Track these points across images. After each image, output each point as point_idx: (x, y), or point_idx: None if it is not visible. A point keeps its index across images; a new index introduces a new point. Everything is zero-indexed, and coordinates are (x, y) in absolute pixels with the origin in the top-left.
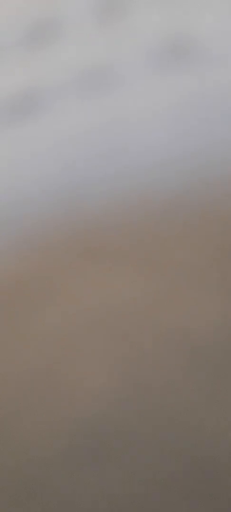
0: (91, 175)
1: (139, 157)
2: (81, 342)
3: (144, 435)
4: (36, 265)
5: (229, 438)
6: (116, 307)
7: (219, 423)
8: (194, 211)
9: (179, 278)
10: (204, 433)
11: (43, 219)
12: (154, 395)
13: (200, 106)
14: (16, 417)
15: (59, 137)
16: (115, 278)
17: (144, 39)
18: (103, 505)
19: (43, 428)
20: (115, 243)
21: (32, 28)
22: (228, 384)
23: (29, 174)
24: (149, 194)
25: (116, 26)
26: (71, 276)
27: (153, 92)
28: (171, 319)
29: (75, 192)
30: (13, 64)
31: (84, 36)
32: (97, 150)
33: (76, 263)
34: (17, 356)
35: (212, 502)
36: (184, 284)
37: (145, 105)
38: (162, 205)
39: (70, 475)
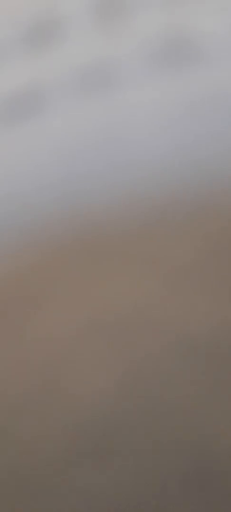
0: (91, 175)
1: (138, 156)
2: (81, 341)
3: (144, 435)
4: (35, 264)
5: (229, 435)
6: (115, 306)
7: (219, 421)
8: (194, 210)
9: (179, 277)
10: (204, 432)
11: (43, 218)
12: (154, 396)
13: (199, 106)
14: (16, 417)
15: (59, 137)
16: (115, 277)
17: (144, 39)
18: (103, 505)
19: (43, 428)
20: (115, 242)
21: (32, 28)
22: (228, 383)
23: (29, 173)
24: (148, 194)
25: (116, 26)
26: (70, 276)
27: (153, 91)
28: (171, 319)
29: (75, 192)
30: (12, 64)
31: (84, 36)
32: (97, 150)
33: (75, 263)
34: (16, 355)
35: (212, 501)
36: (183, 283)
37: (145, 105)
38: (162, 204)
39: (70, 475)
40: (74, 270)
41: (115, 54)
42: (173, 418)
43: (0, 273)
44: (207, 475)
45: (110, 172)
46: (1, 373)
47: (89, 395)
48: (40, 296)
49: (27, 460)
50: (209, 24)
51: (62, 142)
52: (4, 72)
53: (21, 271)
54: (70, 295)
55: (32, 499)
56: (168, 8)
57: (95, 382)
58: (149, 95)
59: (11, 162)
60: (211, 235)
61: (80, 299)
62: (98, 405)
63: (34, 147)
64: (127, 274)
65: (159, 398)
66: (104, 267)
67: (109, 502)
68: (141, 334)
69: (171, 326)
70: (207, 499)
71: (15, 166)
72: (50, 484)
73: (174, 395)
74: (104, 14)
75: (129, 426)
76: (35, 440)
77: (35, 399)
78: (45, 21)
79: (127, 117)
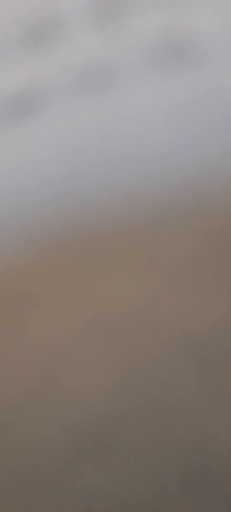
0: (91, 173)
1: (138, 155)
2: (81, 340)
3: (144, 434)
4: (35, 262)
5: (229, 435)
6: (115, 305)
7: (218, 420)
8: (193, 208)
9: (178, 276)
10: (203, 431)
11: (43, 218)
12: (153, 394)
13: (199, 105)
14: (16, 416)
15: (58, 136)
16: (115, 276)
17: (144, 39)
18: (103, 504)
19: (43, 427)
20: (115, 241)
21: (32, 28)
22: (228, 382)
23: (29, 173)
24: (148, 192)
25: (116, 26)
26: (70, 274)
27: (153, 91)
28: (171, 317)
29: (75, 190)
30: (12, 64)
31: (84, 36)
32: (97, 148)
33: (75, 261)
34: (16, 354)
35: (212, 501)
36: (183, 282)
37: (145, 104)
38: (162, 202)
39: (70, 474)
40: (74, 268)
41: (115, 54)
42: (173, 418)
43: (0, 273)
44: (207, 475)
45: (110, 170)
46: (1, 372)
47: (90, 394)
48: (40, 294)
49: (27, 459)
50: (207, 24)
51: (62, 140)
52: (5, 71)
53: (21, 268)
54: (70, 294)
55: (32, 498)
56: (167, 8)
57: (95, 381)
58: (149, 94)
59: (12, 160)
60: (210, 233)
61: (80, 298)
62: (98, 404)
63: (34, 145)
64: (127, 272)
65: (159, 397)
66: (104, 265)
67: (109, 501)
68: (140, 333)
69: (170, 325)
70: (207, 499)
71: (15, 164)
72: (50, 483)
73: (174, 394)
74: (104, 13)
75: (129, 425)
76: (35, 440)
77: (35, 399)
78: (45, 21)
79: (126, 116)
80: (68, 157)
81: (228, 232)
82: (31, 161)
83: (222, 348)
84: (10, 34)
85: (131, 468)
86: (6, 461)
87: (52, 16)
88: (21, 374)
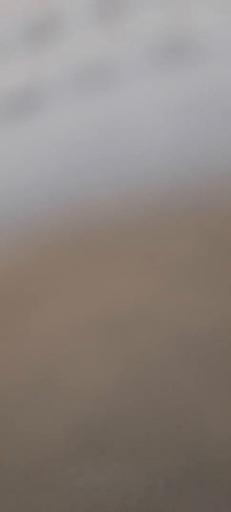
0: (90, 170)
1: (138, 152)
2: (81, 338)
3: (144, 433)
4: (34, 260)
5: (229, 434)
6: (115, 303)
7: (219, 420)
8: (193, 206)
9: (178, 274)
10: (203, 430)
11: (43, 215)
12: (153, 393)
13: (200, 105)
14: (15, 415)
15: (58, 135)
16: (114, 273)
17: (144, 37)
18: (103, 503)
19: (42, 426)
20: (114, 238)
21: (32, 26)
22: (228, 381)
23: (29, 169)
24: (148, 189)
25: (116, 24)
26: (70, 272)
27: (153, 90)
28: (171, 315)
29: (75, 190)
30: (12, 63)
31: (84, 33)
32: (97, 149)
33: (75, 259)
34: (16, 353)
35: (213, 499)
36: (183, 280)
37: (145, 103)
38: (161, 200)
39: (70, 472)
40: (74, 266)
41: (115, 51)
42: (173, 416)
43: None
44: (208, 474)
45: (110, 168)
46: (0, 370)
47: (90, 392)
48: (40, 291)
49: (27, 458)
50: (208, 23)
51: (62, 138)
52: (5, 69)
53: (21, 265)
54: (70, 292)
55: (31, 497)
56: (168, 7)
57: (95, 379)
58: (149, 92)
59: (11, 157)
60: (210, 231)
61: (80, 296)
62: (98, 402)
63: (34, 143)
64: (127, 270)
65: (158, 395)
66: (104, 262)
67: (110, 501)
68: (140, 331)
69: (170, 323)
70: (207, 499)
71: (15, 160)
72: (49, 482)
73: (174, 393)
74: (105, 11)
75: (129, 423)
76: (34, 438)
77: (35, 397)
78: (45, 19)
79: (126, 113)
80: (68, 154)
81: (229, 231)
82: (31, 157)
83: (222, 346)
84: (10, 31)
85: (131, 467)
86: (5, 459)
87: (53, 14)
88: (21, 372)
